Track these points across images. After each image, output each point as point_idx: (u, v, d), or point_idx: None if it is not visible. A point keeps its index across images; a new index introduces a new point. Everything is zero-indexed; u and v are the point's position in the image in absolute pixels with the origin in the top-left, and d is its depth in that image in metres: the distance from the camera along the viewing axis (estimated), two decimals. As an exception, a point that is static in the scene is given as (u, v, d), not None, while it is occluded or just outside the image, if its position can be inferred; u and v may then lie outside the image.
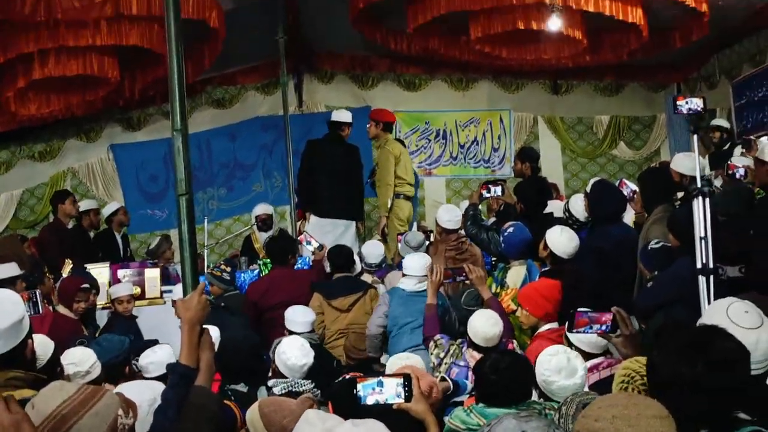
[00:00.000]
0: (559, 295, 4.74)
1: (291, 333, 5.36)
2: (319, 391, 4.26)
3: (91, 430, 2.10)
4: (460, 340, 4.78)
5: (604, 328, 3.17)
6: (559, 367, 3.43)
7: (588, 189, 6.17)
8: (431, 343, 4.80)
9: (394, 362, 4.13)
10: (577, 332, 3.33)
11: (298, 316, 5.49)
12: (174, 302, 2.95)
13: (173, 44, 3.25)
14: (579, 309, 3.28)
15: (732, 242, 4.65)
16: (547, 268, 5.32)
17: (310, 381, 4.42)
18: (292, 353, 4.38)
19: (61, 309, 5.94)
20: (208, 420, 2.47)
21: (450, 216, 6.59)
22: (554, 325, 4.67)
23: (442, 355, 4.65)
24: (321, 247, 6.93)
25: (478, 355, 4.34)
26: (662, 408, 2.00)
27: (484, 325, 4.49)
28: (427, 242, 6.95)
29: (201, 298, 2.67)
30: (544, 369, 3.46)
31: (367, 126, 8.53)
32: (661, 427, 1.95)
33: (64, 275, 6.80)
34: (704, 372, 2.14)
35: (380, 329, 5.61)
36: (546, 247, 5.30)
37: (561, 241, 5.25)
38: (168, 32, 3.32)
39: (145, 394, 2.82)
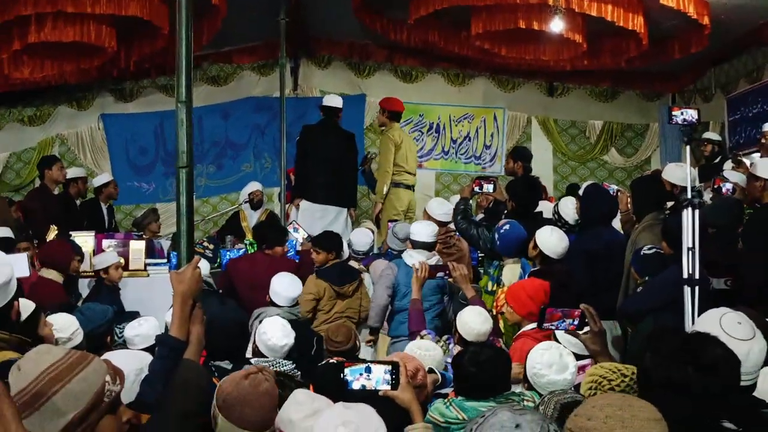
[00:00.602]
0: (545, 297, 4.75)
1: (273, 304, 5.34)
2: (299, 372, 4.26)
3: (77, 395, 2.05)
4: (446, 336, 4.80)
5: (576, 322, 3.19)
6: (551, 361, 3.44)
7: (580, 192, 6.20)
8: (417, 338, 4.81)
9: (411, 349, 4.13)
10: (550, 327, 3.33)
11: (285, 290, 5.43)
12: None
13: (183, 15, 3.21)
14: (549, 306, 3.30)
15: (720, 255, 4.69)
16: (536, 268, 5.34)
17: (291, 362, 4.41)
18: (273, 333, 4.35)
19: (45, 273, 5.89)
20: (195, 395, 2.44)
21: (443, 209, 6.60)
22: (540, 324, 4.70)
23: None
24: (309, 237, 6.91)
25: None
26: (656, 410, 2.00)
27: (476, 321, 4.55)
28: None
29: (195, 272, 2.63)
30: (536, 363, 3.47)
31: (376, 113, 8.53)
32: (655, 429, 1.95)
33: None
34: (694, 376, 2.16)
35: (388, 299, 5.69)
36: (536, 246, 5.32)
37: (551, 240, 5.26)
38: (179, 2, 3.28)
39: (132, 363, 2.80)
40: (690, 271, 4.19)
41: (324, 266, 6.37)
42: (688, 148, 4.79)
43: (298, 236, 7.07)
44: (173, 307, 2.58)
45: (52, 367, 2.06)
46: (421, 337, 4.76)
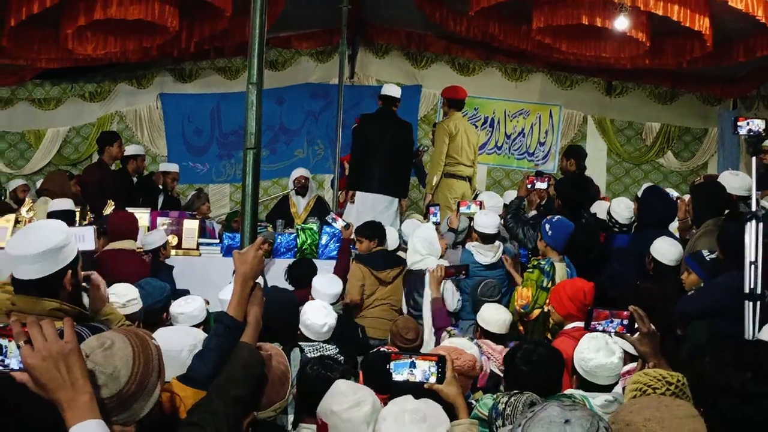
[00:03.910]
0: (585, 298, 4.72)
1: None
2: (342, 358, 4.28)
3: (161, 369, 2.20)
4: (469, 336, 4.83)
5: (625, 323, 3.14)
6: (598, 346, 3.53)
7: (639, 193, 6.12)
8: (444, 334, 4.83)
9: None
10: (597, 325, 3.26)
11: (325, 287, 5.51)
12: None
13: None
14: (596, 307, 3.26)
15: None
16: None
17: (335, 347, 4.46)
18: (313, 314, 4.45)
19: (120, 244, 5.99)
20: (251, 381, 2.44)
21: (494, 202, 6.65)
22: (581, 323, 4.66)
23: None
24: (348, 225, 6.98)
25: (494, 344, 4.58)
26: (692, 408, 2.04)
27: (494, 313, 4.94)
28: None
29: (257, 253, 2.63)
30: (583, 349, 3.56)
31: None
32: (693, 425, 1.98)
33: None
34: (752, 383, 2.14)
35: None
36: (650, 254, 5.40)
37: (660, 246, 5.34)
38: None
39: (185, 340, 2.83)
40: (752, 286, 4.10)
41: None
42: (754, 159, 4.65)
43: (339, 225, 7.13)
44: (234, 287, 2.59)
45: (136, 349, 2.10)
46: (449, 333, 4.78)
